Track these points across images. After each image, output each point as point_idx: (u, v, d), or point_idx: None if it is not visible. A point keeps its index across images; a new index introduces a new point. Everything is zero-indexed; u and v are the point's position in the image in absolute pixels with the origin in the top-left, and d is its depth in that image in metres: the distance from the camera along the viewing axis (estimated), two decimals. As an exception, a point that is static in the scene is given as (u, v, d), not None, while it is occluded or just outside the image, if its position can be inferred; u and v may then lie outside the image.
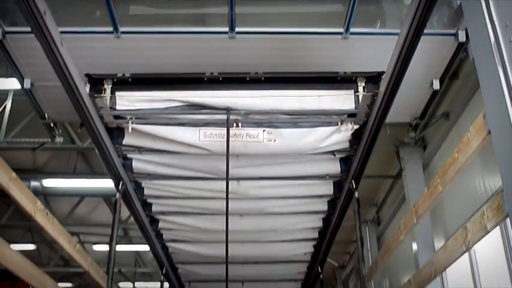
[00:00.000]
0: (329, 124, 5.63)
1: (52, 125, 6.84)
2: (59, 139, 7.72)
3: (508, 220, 2.85)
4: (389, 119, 5.23)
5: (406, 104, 6.64)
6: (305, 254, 9.59)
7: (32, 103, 6.39)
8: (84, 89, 4.98)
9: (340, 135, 5.70)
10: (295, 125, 5.68)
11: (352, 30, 5.70)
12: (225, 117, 5.42)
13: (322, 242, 8.80)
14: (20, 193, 3.54)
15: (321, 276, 9.53)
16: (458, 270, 10.33)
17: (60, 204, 17.00)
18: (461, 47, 5.87)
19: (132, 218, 7.87)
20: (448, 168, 3.43)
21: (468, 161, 3.17)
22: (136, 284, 25.66)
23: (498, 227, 8.17)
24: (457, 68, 9.29)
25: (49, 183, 14.34)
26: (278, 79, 5.53)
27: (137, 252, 22.78)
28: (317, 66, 5.90)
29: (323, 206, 7.49)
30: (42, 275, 3.85)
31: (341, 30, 5.73)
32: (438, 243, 10.75)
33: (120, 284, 24.27)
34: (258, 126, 5.69)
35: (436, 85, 6.39)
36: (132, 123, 5.47)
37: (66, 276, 24.08)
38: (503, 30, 2.90)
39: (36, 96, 6.28)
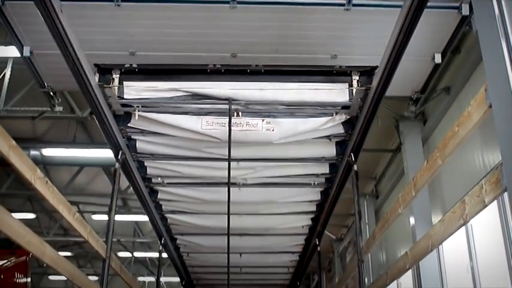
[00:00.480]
0: (324, 115, 5.97)
1: (52, 93, 6.80)
2: (58, 108, 7.69)
3: (505, 194, 2.84)
4: (389, 92, 5.24)
5: (407, 77, 6.60)
6: (303, 227, 9.66)
7: (32, 71, 6.35)
8: (92, 74, 5.23)
9: (335, 124, 6.09)
10: (293, 115, 6.02)
11: (354, 1, 5.63)
12: (226, 107, 5.72)
13: (320, 215, 8.85)
14: (20, 161, 3.53)
15: (318, 249, 9.61)
16: (454, 245, 10.41)
17: (60, 173, 17.06)
18: (465, 21, 5.81)
19: (131, 188, 7.91)
20: (448, 142, 3.42)
21: (468, 134, 3.16)
22: (135, 253, 25.88)
23: (496, 201, 8.22)
24: (460, 42, 9.23)
25: (48, 152, 14.36)
26: (277, 72, 5.84)
27: (136, 223, 22.93)
28: (318, 38, 6.04)
29: (321, 179, 7.59)
30: (41, 243, 3.87)
31: (343, 1, 5.66)
32: (436, 218, 10.80)
33: (119, 254, 24.48)
34: (258, 116, 6.02)
35: (438, 59, 6.34)
36: (138, 111, 5.83)
37: (65, 246, 24.31)
38: (508, 3, 2.88)
39: (36, 64, 6.23)
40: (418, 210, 11.15)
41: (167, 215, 9.09)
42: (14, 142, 3.41)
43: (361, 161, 6.27)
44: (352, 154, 6.18)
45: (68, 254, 24.26)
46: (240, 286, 12.39)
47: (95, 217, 19.40)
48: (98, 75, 5.50)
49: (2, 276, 10.33)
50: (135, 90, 5.70)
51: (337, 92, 5.77)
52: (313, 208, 8.79)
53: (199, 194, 8.02)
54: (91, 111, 5.43)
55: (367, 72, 5.65)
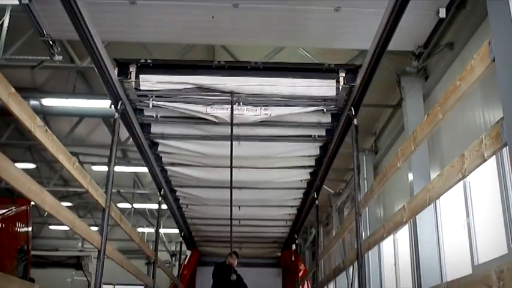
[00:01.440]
0: (314, 106, 6.86)
1: (51, 42, 6.75)
2: (58, 57, 7.65)
3: (505, 149, 2.84)
4: (392, 46, 5.22)
5: (410, 31, 6.54)
6: (301, 181, 9.72)
7: (30, 19, 6.27)
8: (112, 68, 5.95)
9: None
10: (287, 106, 6.88)
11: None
12: (229, 98, 6.65)
13: (318, 169, 8.90)
14: (19, 109, 3.51)
15: (317, 203, 9.69)
16: (451, 201, 10.50)
17: (60, 124, 17.07)
18: (471, -26, 5.73)
19: (131, 140, 7.92)
20: (449, 96, 3.40)
21: (470, 89, 3.14)
22: (134, 205, 26.12)
23: (494, 156, 8.25)
24: (465, -5, 9.13)
25: (48, 102, 14.32)
26: (274, 68, 6.75)
27: (136, 174, 23.06)
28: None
29: (321, 132, 7.62)
30: (42, 191, 3.88)
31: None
32: (434, 175, 10.85)
33: (119, 205, 24.70)
34: (256, 106, 6.91)
35: (443, 13, 6.27)
36: (152, 100, 6.64)
37: (65, 196, 24.51)
38: (515, -45, 2.82)
39: (35, 12, 6.15)
40: (417, 166, 11.21)
41: (167, 167, 9.14)
42: (13, 89, 3.38)
43: (361, 116, 6.26)
44: (352, 108, 6.17)
45: (68, 204, 24.48)
46: (239, 238, 12.55)
47: (95, 168, 19.50)
48: (117, 68, 6.20)
49: (3, 225, 10.44)
50: (149, 82, 6.48)
51: (325, 87, 6.57)
52: (312, 163, 8.82)
53: (200, 147, 8.15)
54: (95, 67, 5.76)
55: (352, 70, 6.41)
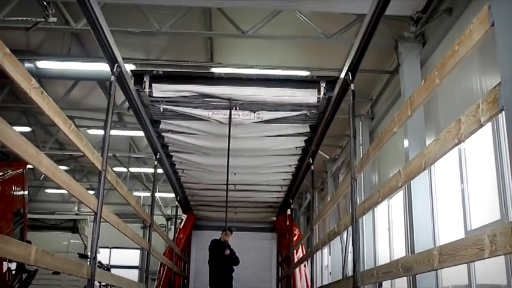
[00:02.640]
0: (299, 111, 8.26)
1: (45, 3, 6.66)
2: (52, 19, 7.57)
3: (502, 114, 2.84)
4: (389, 11, 5.18)
5: (409, -4, 6.48)
6: (296, 148, 9.79)
7: (24, -20, 6.18)
8: (130, 79, 7.12)
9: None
10: (276, 111, 8.31)
11: None
12: (227, 104, 8.08)
13: (314, 135, 8.94)
14: (15, 70, 3.47)
15: (312, 168, 9.73)
16: (446, 166, 10.55)
17: (55, 87, 16.96)
18: None
19: (126, 103, 7.89)
20: (447, 61, 3.37)
21: (468, 54, 3.12)
22: (130, 169, 26.17)
23: (490, 123, 8.26)
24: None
25: (43, 64, 14.21)
26: (265, 79, 8.17)
27: (131, 138, 23.05)
28: None
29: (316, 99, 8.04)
30: (38, 153, 3.87)
31: None
32: (429, 141, 10.89)
33: (115, 169, 24.72)
34: (250, 110, 8.32)
35: (441, -22, 6.20)
36: (163, 105, 8.04)
37: (61, 160, 24.50)
38: None
39: (28, -30, 6.07)
40: (413, 132, 11.22)
41: (164, 134, 9.18)
42: (8, 50, 3.34)
43: (357, 81, 6.24)
44: (349, 73, 6.15)
45: (64, 168, 24.51)
46: (234, 203, 12.65)
47: (91, 132, 19.47)
48: (133, 78, 7.38)
49: (-1, 189, 10.47)
50: (160, 90, 7.75)
51: (308, 95, 7.87)
52: (307, 129, 8.91)
53: (198, 111, 8.46)
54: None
55: (331, 82, 7.61)
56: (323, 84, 7.69)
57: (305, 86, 7.93)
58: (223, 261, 10.93)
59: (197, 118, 8.53)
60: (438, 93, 10.79)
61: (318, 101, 7.85)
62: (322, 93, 7.68)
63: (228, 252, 10.57)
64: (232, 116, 8.21)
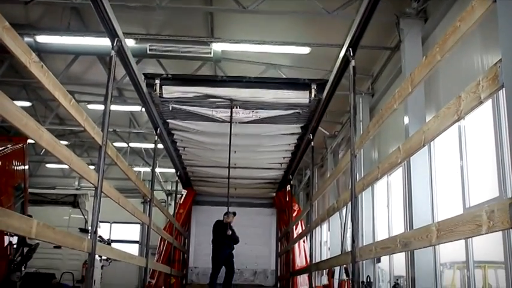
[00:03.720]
0: (292, 110, 9.17)
1: (45, -24, 6.61)
2: (52, -8, 7.49)
3: (502, 91, 2.84)
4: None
5: (411, -29, 6.43)
6: (296, 127, 10.14)
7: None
8: (143, 82, 8.15)
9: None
10: (272, 110, 9.24)
11: None
12: (229, 104, 9.09)
13: (315, 111, 8.97)
14: (14, 44, 3.46)
15: (312, 144, 9.74)
16: (446, 145, 10.56)
17: (55, 62, 16.89)
18: None
19: (127, 78, 7.89)
20: (449, 38, 3.36)
21: (470, 30, 3.10)
22: (130, 144, 26.19)
23: (490, 100, 8.26)
24: None
25: (43, 39, 14.14)
26: (262, 81, 9.39)
27: (132, 113, 23.02)
28: None
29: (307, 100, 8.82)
30: (38, 127, 3.87)
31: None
32: (430, 118, 10.92)
33: (115, 144, 24.73)
34: (250, 109, 9.28)
35: (444, -47, 6.15)
36: (172, 104, 8.98)
37: (61, 135, 24.51)
38: None
39: None
40: (413, 109, 11.22)
41: (168, 120, 9.41)
42: (7, 23, 3.32)
43: (358, 58, 6.21)
44: (350, 49, 6.12)
45: (65, 143, 24.54)
46: (235, 179, 12.69)
47: (91, 107, 19.45)
48: (145, 81, 8.31)
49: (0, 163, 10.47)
50: (169, 91, 8.71)
51: (301, 96, 8.76)
52: (299, 130, 9.91)
53: (203, 110, 9.33)
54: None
55: (321, 84, 8.47)
56: (314, 87, 8.58)
57: (298, 88, 8.84)
58: (225, 241, 11.62)
59: (202, 116, 9.51)
60: (439, 71, 10.76)
61: (309, 102, 8.77)
62: (313, 94, 8.57)
63: (229, 232, 11.44)
64: (233, 114, 9.28)
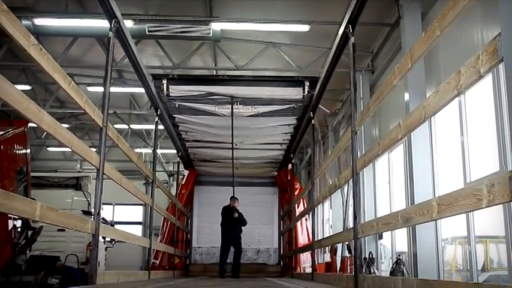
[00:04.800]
0: (287, 105, 10.26)
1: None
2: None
3: (502, 65, 2.84)
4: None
5: None
6: (291, 119, 11.07)
7: None
8: (152, 82, 9.06)
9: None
10: (269, 105, 10.33)
11: None
12: (230, 100, 10.13)
13: (314, 89, 9.02)
14: (13, 27, 3.45)
15: (313, 122, 9.74)
16: (447, 120, 10.55)
17: (53, 45, 16.82)
18: None
19: (126, 60, 7.88)
20: (448, 12, 3.35)
21: (469, 4, 3.09)
22: (131, 126, 26.18)
23: (491, 74, 8.24)
24: None
25: (41, 22, 14.07)
26: (260, 80, 10.36)
27: (132, 95, 22.99)
28: None
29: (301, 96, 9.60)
30: (39, 110, 3.88)
31: None
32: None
33: (116, 126, 24.71)
34: (248, 105, 10.34)
35: None
36: (178, 102, 10.11)
37: (62, 118, 24.48)
38: None
39: None
40: (413, 85, 11.20)
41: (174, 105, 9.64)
42: (5, 7, 3.32)
43: (357, 35, 6.18)
44: (349, 26, 6.09)
45: (65, 126, 24.52)
46: (237, 159, 12.75)
47: (91, 89, 19.39)
48: (153, 81, 9.20)
49: (1, 147, 10.48)
50: (176, 90, 9.74)
51: (295, 92, 9.77)
52: (294, 121, 10.18)
53: (206, 106, 10.09)
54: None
55: (313, 82, 9.32)
56: (307, 83, 9.54)
57: (292, 84, 9.90)
58: (232, 223, 12.32)
59: (205, 111, 10.54)
60: (439, 47, 10.72)
61: (302, 97, 9.78)
62: (306, 91, 9.54)
63: (236, 215, 12.23)
64: (233, 110, 10.28)
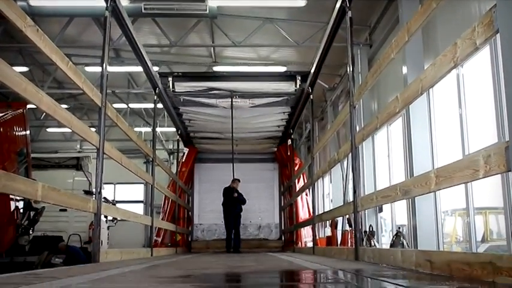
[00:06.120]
0: (281, 97, 11.32)
1: None
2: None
3: (497, 36, 2.84)
4: None
5: None
6: (288, 99, 11.46)
7: None
8: (159, 79, 9.89)
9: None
10: (265, 98, 11.38)
11: None
12: (229, 94, 11.17)
13: (305, 83, 9.19)
14: (9, 8, 3.45)
15: (311, 97, 9.75)
16: (445, 93, 10.56)
17: (49, 25, 16.73)
18: None
19: (123, 39, 7.85)
20: (444, -16, 3.35)
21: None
22: (130, 105, 26.15)
23: (488, 46, 8.23)
24: None
25: (36, 2, 13.98)
26: (256, 76, 12.20)
27: (130, 74, 22.92)
28: None
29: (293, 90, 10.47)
30: (38, 91, 3.89)
31: None
32: (428, 66, 10.88)
33: (115, 105, 24.65)
34: (246, 98, 11.39)
35: None
36: (183, 96, 11.15)
37: (60, 99, 24.43)
38: None
39: None
40: (411, 59, 11.19)
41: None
42: (0, -12, 3.32)
43: (354, 8, 6.16)
44: (346, 0, 6.07)
45: (64, 107, 24.46)
46: (236, 135, 12.81)
47: (88, 69, 19.34)
48: (160, 78, 10.01)
49: (1, 130, 10.50)
50: (181, 86, 10.81)
51: (288, 86, 10.85)
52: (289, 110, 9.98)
53: (208, 100, 10.95)
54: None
55: (304, 76, 10.15)
56: (298, 78, 10.57)
57: (285, 79, 11.04)
58: (233, 202, 13.09)
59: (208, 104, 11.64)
60: (437, 20, 10.68)
61: (295, 91, 10.82)
62: (298, 84, 10.59)
63: (236, 195, 13.05)
64: (233, 103, 11.37)
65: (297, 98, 11.13)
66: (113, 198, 24.47)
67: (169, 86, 10.56)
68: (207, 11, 14.47)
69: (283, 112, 12.49)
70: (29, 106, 11.94)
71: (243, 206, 13.30)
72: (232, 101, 11.35)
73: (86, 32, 18.19)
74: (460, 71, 9.78)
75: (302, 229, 13.34)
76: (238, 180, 13.14)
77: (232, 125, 11.84)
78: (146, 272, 3.77)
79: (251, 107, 11.75)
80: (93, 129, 5.62)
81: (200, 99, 11.41)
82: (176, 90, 10.78)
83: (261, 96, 11.39)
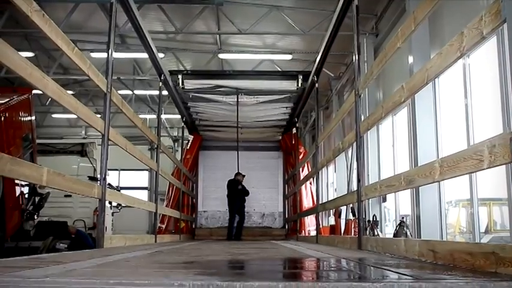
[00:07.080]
0: (284, 95, 12.04)
1: None
2: None
3: (505, 25, 2.83)
4: None
5: None
6: (290, 97, 12.03)
7: None
8: (169, 76, 10.56)
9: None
10: (268, 95, 12.11)
11: None
12: (235, 91, 11.84)
13: (306, 82, 9.22)
14: (14, -7, 3.45)
15: (317, 86, 9.73)
16: (451, 84, 10.53)
17: (55, 11, 16.74)
18: None
19: (129, 25, 7.83)
20: (451, -27, 3.33)
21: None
22: (135, 91, 26.16)
23: (495, 36, 8.18)
24: None
25: (42, -12, 13.96)
26: (261, 74, 13.03)
27: (135, 60, 22.91)
28: None
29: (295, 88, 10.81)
30: (43, 76, 3.89)
31: None
32: (434, 55, 10.84)
33: (120, 92, 24.65)
34: (251, 95, 12.04)
35: None
36: (192, 93, 11.90)
37: (66, 84, 24.46)
38: None
39: None
40: (417, 49, 11.14)
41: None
42: (6, -27, 3.32)
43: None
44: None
45: (69, 92, 24.48)
46: (241, 123, 12.83)
47: (94, 55, 19.33)
48: (171, 76, 10.71)
49: (6, 114, 10.50)
50: (190, 84, 11.55)
51: (290, 84, 11.47)
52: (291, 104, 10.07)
53: (215, 97, 11.39)
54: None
55: (306, 76, 10.75)
56: (300, 77, 11.14)
57: (287, 78, 11.72)
58: (236, 194, 13.74)
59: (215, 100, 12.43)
60: (444, 9, 10.62)
61: (296, 89, 11.45)
62: (299, 83, 11.16)
63: (240, 187, 13.69)
64: (238, 100, 12.04)
65: (298, 95, 11.78)
66: (117, 185, 24.58)
67: (179, 83, 11.23)
68: (213, -2, 14.46)
69: (286, 107, 13.06)
70: (34, 92, 11.94)
71: (246, 197, 13.97)
72: (237, 97, 12.02)
73: (92, 17, 18.18)
74: (467, 61, 9.73)
75: (306, 218, 13.36)
76: (243, 175, 13.79)
77: (237, 118, 12.52)
78: (150, 258, 3.80)
79: (255, 103, 12.39)
80: (98, 116, 5.62)
81: (207, 95, 12.15)
82: (186, 87, 11.52)
83: (265, 94, 12.11)
